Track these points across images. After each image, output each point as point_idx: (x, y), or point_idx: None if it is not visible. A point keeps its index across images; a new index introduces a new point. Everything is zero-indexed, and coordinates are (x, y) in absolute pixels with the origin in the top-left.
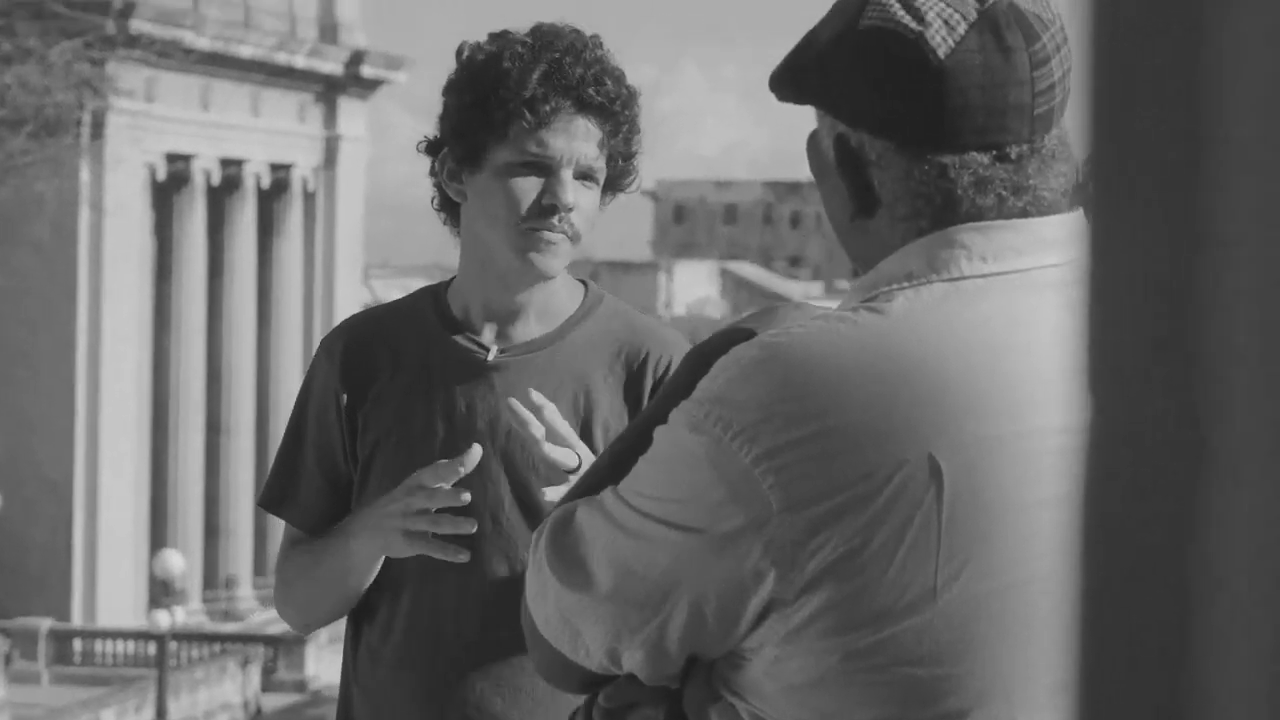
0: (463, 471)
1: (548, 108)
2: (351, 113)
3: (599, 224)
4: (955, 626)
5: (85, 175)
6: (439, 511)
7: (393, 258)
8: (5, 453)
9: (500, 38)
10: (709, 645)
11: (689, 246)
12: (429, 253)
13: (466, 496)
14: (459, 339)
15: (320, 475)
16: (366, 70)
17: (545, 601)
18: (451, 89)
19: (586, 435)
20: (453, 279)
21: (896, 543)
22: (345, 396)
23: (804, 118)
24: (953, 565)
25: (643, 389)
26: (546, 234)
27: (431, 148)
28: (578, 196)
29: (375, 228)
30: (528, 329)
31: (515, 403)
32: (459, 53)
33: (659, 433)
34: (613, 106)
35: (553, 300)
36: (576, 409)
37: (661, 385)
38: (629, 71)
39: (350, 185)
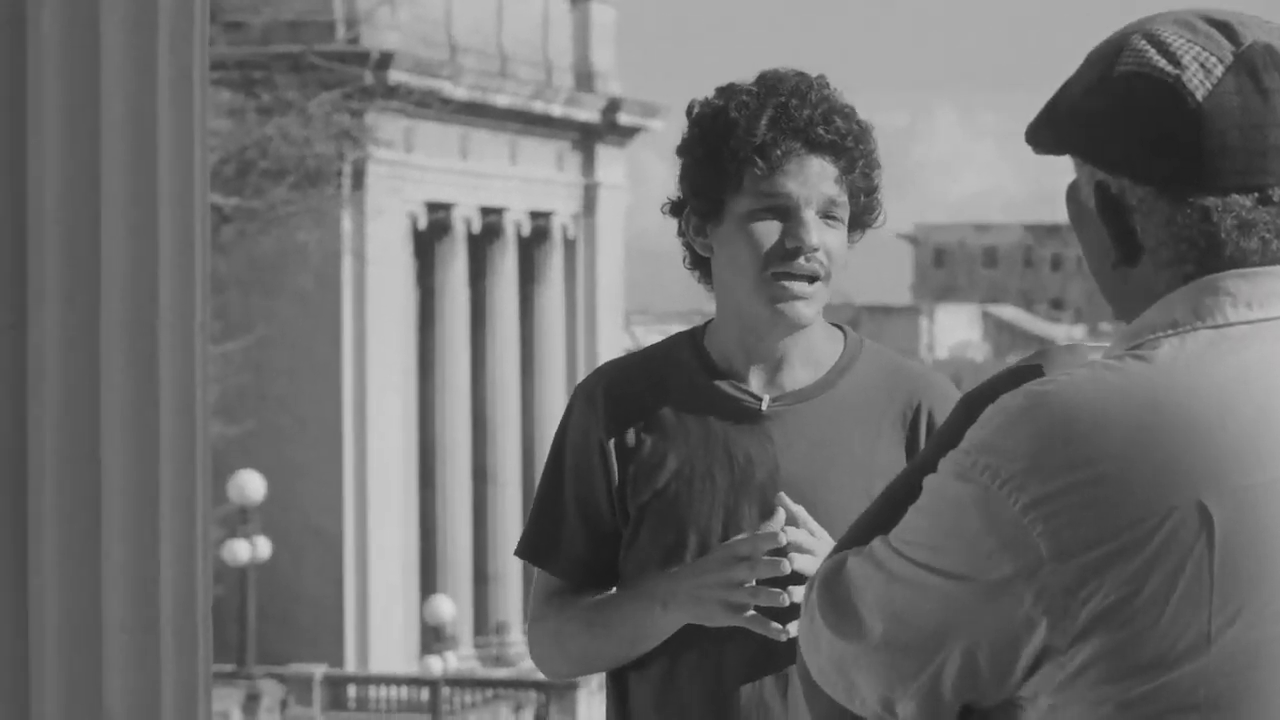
0: (781, 540)
1: (779, 152)
2: (609, 160)
3: (859, 268)
4: (1231, 673)
5: (347, 225)
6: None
7: (652, 304)
8: (274, 502)
9: (726, 90)
10: (983, 693)
11: (950, 290)
12: (688, 299)
13: (786, 566)
14: (726, 387)
15: (581, 525)
16: (623, 118)
17: (818, 652)
18: (685, 148)
19: (866, 483)
20: (707, 324)
21: (1169, 590)
22: (610, 443)
23: (1062, 162)
24: (1227, 612)
25: (919, 437)
26: (794, 285)
27: (675, 208)
28: (822, 235)
29: (634, 274)
30: (794, 377)
31: (785, 498)
32: (689, 111)
33: (928, 481)
34: (844, 142)
35: (814, 347)
36: (854, 457)
37: (932, 433)
38: (883, 118)
39: (610, 232)
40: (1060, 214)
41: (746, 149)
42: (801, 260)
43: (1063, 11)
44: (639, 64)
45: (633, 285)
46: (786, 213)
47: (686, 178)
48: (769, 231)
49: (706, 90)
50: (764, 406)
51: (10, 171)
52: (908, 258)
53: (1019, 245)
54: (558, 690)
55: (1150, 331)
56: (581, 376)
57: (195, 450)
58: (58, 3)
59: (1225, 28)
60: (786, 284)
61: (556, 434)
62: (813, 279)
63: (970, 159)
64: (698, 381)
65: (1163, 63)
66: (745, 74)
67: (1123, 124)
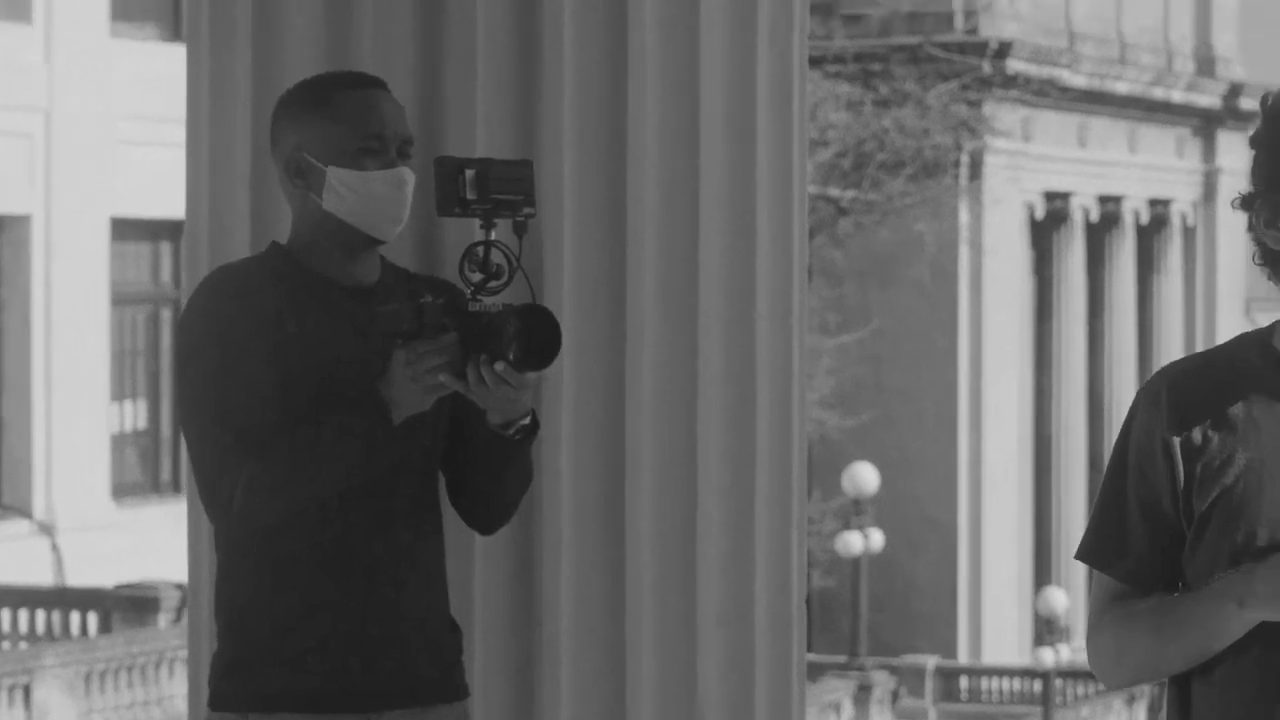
0: None
1: None
2: (1230, 146)
3: None
4: None
5: (964, 215)
6: None
7: (1276, 291)
8: (889, 492)
9: None
10: None
11: None
12: None
13: None
14: None
15: (1145, 525)
16: (1245, 103)
17: None
18: (1258, 139)
19: None
20: (1275, 324)
21: None
22: (1176, 441)
23: None
24: None
25: None
26: None
27: (1245, 202)
28: None
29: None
30: None
31: None
32: (1263, 101)
33: None
34: None
35: None
36: None
37: None
38: None
39: (1231, 219)
40: None
41: None
42: None
43: None
44: (1264, 47)
45: (1255, 273)
46: None
47: (1259, 168)
48: None
49: None
50: None
51: (610, 164)
52: None
53: None
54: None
55: None
56: None
57: (792, 443)
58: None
59: None
60: None
61: (1120, 435)
62: None
63: None
64: (1266, 379)
65: None
66: None
67: None
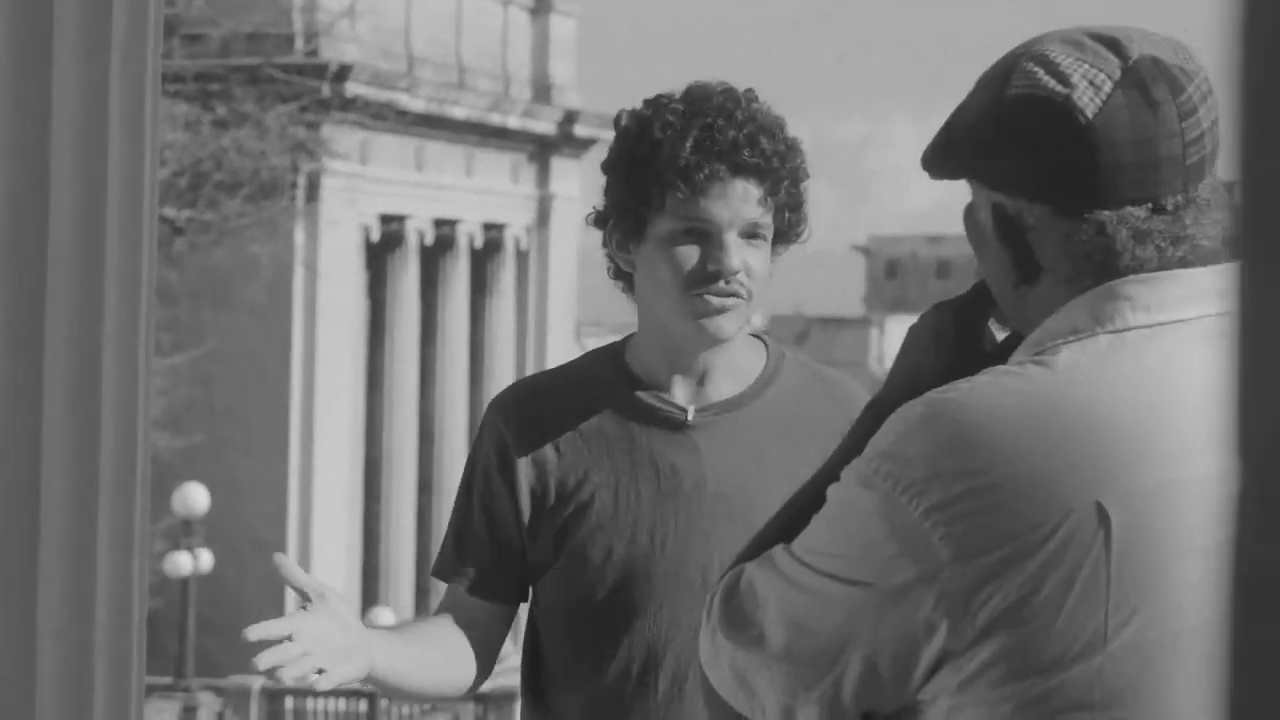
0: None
1: (702, 175)
2: (564, 172)
3: (811, 280)
4: (1127, 672)
5: (300, 237)
6: None
7: (606, 315)
8: (219, 514)
9: (653, 105)
10: (884, 699)
11: (901, 302)
12: None
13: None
14: (650, 398)
15: (491, 542)
16: (579, 130)
17: (719, 663)
18: (609, 164)
19: (793, 491)
20: (627, 339)
21: (1066, 591)
22: (526, 459)
23: None
24: (1122, 612)
25: None
26: (716, 300)
27: (599, 220)
28: (744, 256)
29: (588, 285)
30: (718, 389)
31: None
32: (616, 122)
33: (832, 490)
34: (769, 164)
35: (737, 359)
36: (780, 466)
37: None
38: (840, 129)
39: (563, 244)
40: None
41: (670, 172)
42: (722, 284)
43: (1022, 22)
44: (600, 76)
45: (586, 296)
46: (708, 236)
47: (610, 195)
48: (689, 254)
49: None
50: (689, 417)
51: None
52: (860, 269)
53: (971, 257)
54: (495, 701)
55: (1051, 339)
56: None
57: (135, 464)
58: (8, 13)
59: (1112, 44)
60: (709, 299)
61: (471, 451)
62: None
63: (923, 170)
64: (620, 394)
65: (1052, 83)
66: (676, 89)
67: (1016, 146)
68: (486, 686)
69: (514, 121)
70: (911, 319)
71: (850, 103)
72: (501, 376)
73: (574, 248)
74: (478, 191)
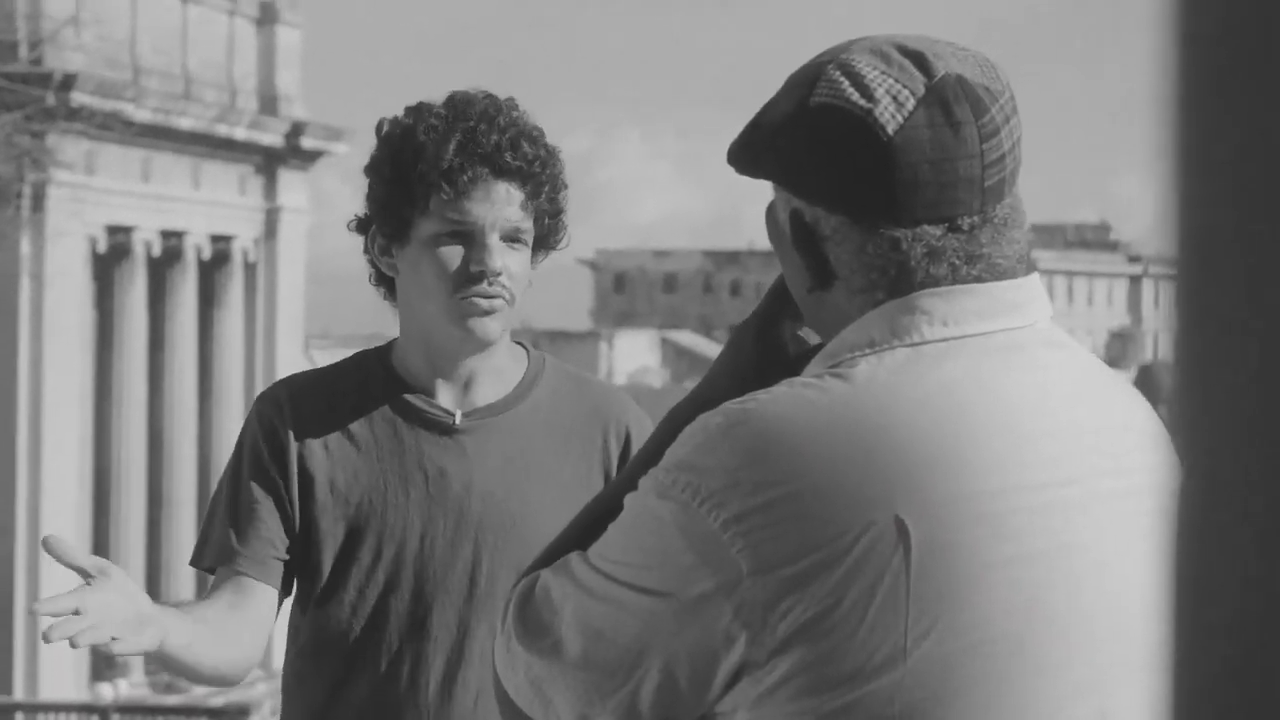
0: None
1: (466, 177)
2: (291, 184)
3: (539, 293)
4: (926, 685)
5: (26, 247)
6: None
7: (333, 327)
8: None
9: (416, 111)
10: (681, 710)
11: (629, 315)
12: (370, 322)
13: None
14: (417, 402)
15: (271, 519)
16: (306, 142)
17: (515, 671)
18: (373, 167)
19: (558, 495)
20: (392, 343)
21: (866, 603)
22: (296, 448)
23: (743, 187)
24: (922, 624)
25: (610, 454)
26: (481, 301)
27: (361, 225)
28: (505, 259)
29: (315, 297)
30: (483, 393)
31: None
32: (378, 128)
33: (629, 499)
34: (531, 168)
35: (500, 365)
36: (546, 470)
37: (632, 452)
38: (567, 141)
39: (291, 256)
40: (739, 240)
41: (434, 173)
42: (485, 284)
43: (752, 33)
44: (325, 87)
45: (314, 309)
46: (470, 237)
47: (373, 198)
48: (453, 255)
49: (394, 113)
50: (457, 421)
51: None
52: (588, 283)
53: (699, 271)
54: (229, 716)
55: (848, 351)
56: None
57: None
58: None
59: (919, 58)
60: (475, 300)
61: (238, 442)
62: (498, 299)
63: (652, 182)
64: (388, 396)
65: (856, 96)
66: (435, 98)
67: (816, 156)
68: (219, 701)
69: (240, 133)
70: (639, 333)
71: (577, 115)
72: (230, 386)
73: (301, 260)
74: (205, 203)
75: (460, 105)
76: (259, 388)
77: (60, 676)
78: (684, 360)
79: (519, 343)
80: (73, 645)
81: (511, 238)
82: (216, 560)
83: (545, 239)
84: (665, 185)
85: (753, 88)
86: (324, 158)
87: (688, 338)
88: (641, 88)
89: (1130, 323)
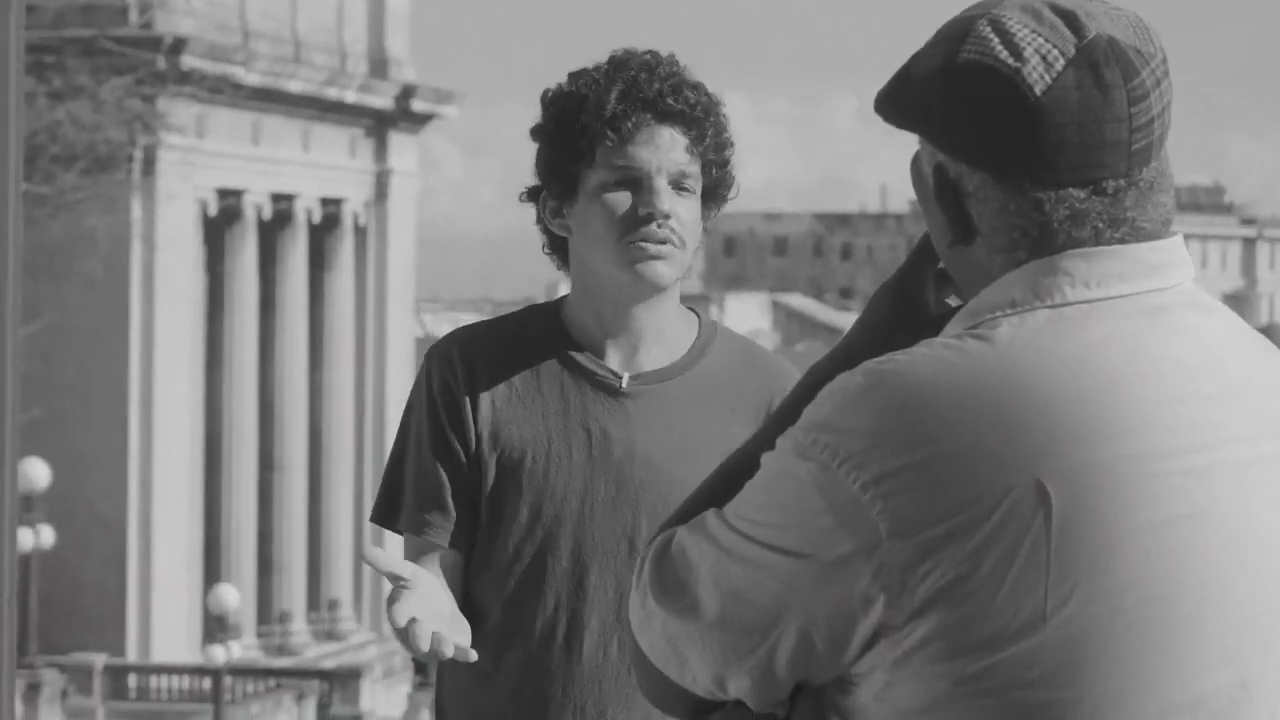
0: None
1: (630, 123)
2: (402, 147)
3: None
4: (1066, 650)
5: (137, 211)
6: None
7: (442, 291)
8: (58, 489)
9: (577, 74)
10: (817, 671)
11: (739, 279)
12: (477, 286)
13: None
14: (585, 361)
15: (450, 477)
16: (416, 104)
17: (651, 628)
18: (538, 130)
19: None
20: (561, 300)
21: (1005, 568)
22: (468, 401)
23: (849, 151)
24: (1062, 590)
25: None
26: (651, 246)
27: (532, 193)
28: (674, 204)
29: (425, 261)
30: (651, 357)
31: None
32: (543, 97)
33: (766, 459)
34: (694, 113)
35: (669, 328)
36: (710, 439)
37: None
38: None
39: (401, 219)
40: (848, 203)
41: (597, 122)
42: (654, 227)
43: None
44: (434, 51)
45: (422, 273)
46: (638, 183)
47: (541, 160)
48: (621, 201)
49: (503, 77)
50: (623, 384)
51: None
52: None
53: (809, 234)
54: (340, 679)
55: (989, 311)
56: (371, 364)
57: (4, 439)
58: None
59: (1070, 17)
60: (644, 245)
61: (411, 398)
62: (668, 244)
63: (759, 147)
64: (556, 352)
65: (1005, 54)
66: (541, 65)
67: (962, 113)
68: (330, 663)
69: (350, 96)
70: (750, 296)
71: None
72: (341, 351)
73: (412, 223)
74: (315, 166)
75: (621, 59)
76: (369, 351)
77: (173, 639)
78: (795, 323)
79: (692, 309)
80: (440, 655)
81: (678, 184)
82: (409, 528)
83: (714, 190)
84: (773, 150)
85: (860, 56)
86: (434, 120)
87: (798, 300)
88: (749, 53)
89: (1244, 285)
